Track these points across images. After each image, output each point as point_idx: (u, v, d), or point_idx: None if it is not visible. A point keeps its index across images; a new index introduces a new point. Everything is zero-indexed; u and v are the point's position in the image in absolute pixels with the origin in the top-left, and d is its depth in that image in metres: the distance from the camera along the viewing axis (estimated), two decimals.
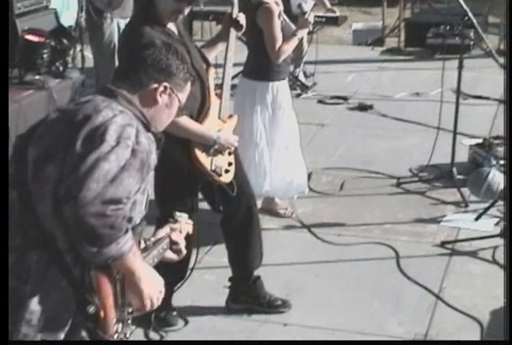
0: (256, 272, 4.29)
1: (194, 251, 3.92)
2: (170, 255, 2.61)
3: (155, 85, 2.44)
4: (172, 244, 2.59)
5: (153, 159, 2.32)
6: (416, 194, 5.73)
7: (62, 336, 2.24)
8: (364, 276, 4.62)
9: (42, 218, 2.23)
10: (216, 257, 4.49)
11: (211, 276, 4.54)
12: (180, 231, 2.60)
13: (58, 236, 2.22)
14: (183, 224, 2.57)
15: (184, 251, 2.58)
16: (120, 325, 2.31)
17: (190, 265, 3.99)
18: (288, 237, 5.14)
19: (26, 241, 2.25)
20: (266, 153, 5.06)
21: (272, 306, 4.24)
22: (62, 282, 2.24)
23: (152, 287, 2.34)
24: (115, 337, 2.30)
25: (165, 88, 2.46)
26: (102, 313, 2.23)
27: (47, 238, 2.22)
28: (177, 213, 2.54)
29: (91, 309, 2.21)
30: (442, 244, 4.97)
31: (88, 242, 2.15)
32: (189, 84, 2.53)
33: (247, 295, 4.23)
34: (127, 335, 2.36)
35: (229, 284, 4.28)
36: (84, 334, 2.27)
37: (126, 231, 2.21)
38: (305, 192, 5.39)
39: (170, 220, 2.58)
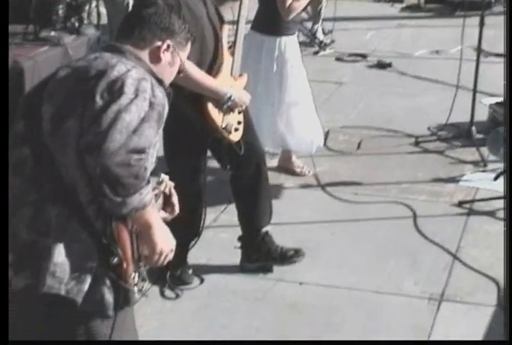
0: (271, 231, 4.26)
1: (208, 210, 3.93)
2: (163, 214, 2.61)
3: (159, 43, 2.47)
4: (165, 203, 2.60)
5: (166, 112, 2.35)
6: (435, 153, 5.69)
7: (86, 288, 2.26)
8: (381, 235, 4.58)
9: (62, 171, 2.24)
10: (231, 216, 4.42)
11: (226, 235, 4.51)
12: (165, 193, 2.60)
13: (80, 188, 2.23)
14: (168, 186, 2.56)
15: (177, 210, 2.58)
16: (136, 277, 2.34)
17: (206, 223, 3.99)
18: (304, 196, 5.11)
19: (42, 196, 2.27)
20: (265, 109, 5.00)
21: (285, 258, 4.21)
22: (82, 234, 2.26)
23: (166, 243, 2.37)
24: (135, 289, 2.33)
25: (168, 46, 2.48)
26: (125, 264, 2.27)
27: (66, 191, 2.24)
28: (162, 175, 2.55)
29: (115, 260, 2.24)
30: (460, 204, 4.94)
31: (113, 192, 2.17)
32: (189, 44, 2.57)
33: (258, 252, 4.21)
34: (144, 288, 2.39)
35: (239, 244, 4.26)
36: (108, 283, 2.28)
37: (148, 181, 2.24)
38: (321, 146, 5.34)
39: (156, 181, 2.58)
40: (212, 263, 4.32)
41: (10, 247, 2.26)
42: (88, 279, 2.26)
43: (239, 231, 4.27)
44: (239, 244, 4.26)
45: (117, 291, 2.30)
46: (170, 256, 2.40)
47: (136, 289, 2.34)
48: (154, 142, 2.27)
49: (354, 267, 4.27)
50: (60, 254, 2.23)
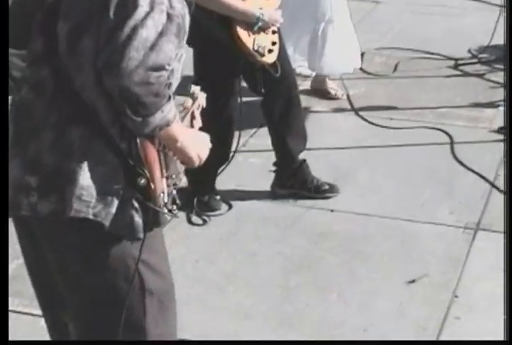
0: (303, 156, 4.23)
1: (237, 133, 3.94)
2: None
3: None
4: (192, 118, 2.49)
5: (188, 23, 2.25)
6: (474, 76, 5.62)
7: (113, 210, 2.23)
8: (416, 162, 4.55)
9: (81, 92, 2.20)
10: (261, 140, 4.44)
11: (256, 159, 4.51)
12: (196, 107, 2.48)
13: (100, 109, 2.19)
14: (199, 98, 2.43)
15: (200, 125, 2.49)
16: (166, 197, 2.30)
17: (233, 148, 3.99)
18: (337, 120, 5.08)
19: (63, 117, 2.22)
20: (297, 27, 4.95)
21: (319, 191, 4.21)
22: (106, 155, 2.22)
23: (199, 148, 2.35)
24: (164, 210, 2.30)
25: None
26: (152, 185, 2.24)
27: (87, 112, 2.20)
28: (192, 86, 2.45)
29: (142, 181, 2.22)
30: (499, 130, 4.88)
31: (134, 112, 2.14)
32: None
33: (292, 180, 4.20)
34: (175, 210, 2.34)
35: (274, 168, 4.24)
36: (136, 205, 2.25)
37: (169, 98, 2.19)
38: (357, 68, 5.28)
39: (186, 93, 2.48)
40: (241, 189, 4.29)
41: (33, 172, 2.25)
42: (116, 202, 2.22)
43: (269, 156, 4.24)
44: (272, 169, 4.24)
45: (146, 213, 2.27)
46: (207, 152, 2.38)
47: (165, 210, 2.30)
48: (178, 56, 2.21)
49: (388, 195, 4.25)
50: (85, 177, 2.20)
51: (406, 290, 3.53)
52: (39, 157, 2.24)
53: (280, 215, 4.10)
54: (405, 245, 3.85)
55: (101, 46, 2.13)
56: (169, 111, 2.19)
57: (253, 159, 4.54)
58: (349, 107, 5.22)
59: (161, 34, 2.12)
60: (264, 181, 4.26)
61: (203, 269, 3.69)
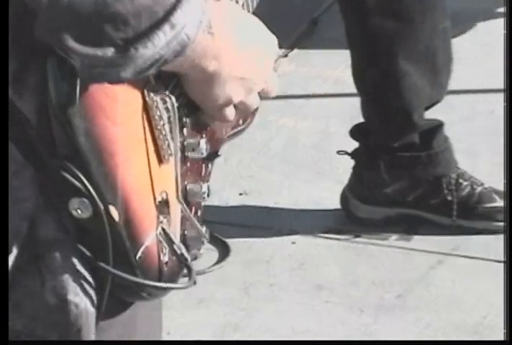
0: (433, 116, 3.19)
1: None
2: None
3: None
4: None
5: None
6: None
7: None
8: None
9: None
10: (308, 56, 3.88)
11: (307, 123, 3.58)
12: None
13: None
14: None
15: None
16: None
17: None
18: None
19: None
20: None
21: (475, 211, 3.19)
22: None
23: (265, 61, 1.58)
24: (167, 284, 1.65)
25: None
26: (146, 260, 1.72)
27: None
28: None
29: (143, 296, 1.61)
30: None
31: (98, 42, 1.39)
32: None
33: (401, 179, 3.17)
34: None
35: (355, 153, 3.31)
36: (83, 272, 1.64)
37: None
38: None
39: None
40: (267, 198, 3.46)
41: None
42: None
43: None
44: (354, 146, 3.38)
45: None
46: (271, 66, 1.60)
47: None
48: None
49: None
50: None
51: None
52: None
53: (374, 276, 3.26)
54: None
55: None
56: (187, 15, 1.45)
57: (302, 123, 3.74)
58: None
59: None
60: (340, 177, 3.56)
61: None
